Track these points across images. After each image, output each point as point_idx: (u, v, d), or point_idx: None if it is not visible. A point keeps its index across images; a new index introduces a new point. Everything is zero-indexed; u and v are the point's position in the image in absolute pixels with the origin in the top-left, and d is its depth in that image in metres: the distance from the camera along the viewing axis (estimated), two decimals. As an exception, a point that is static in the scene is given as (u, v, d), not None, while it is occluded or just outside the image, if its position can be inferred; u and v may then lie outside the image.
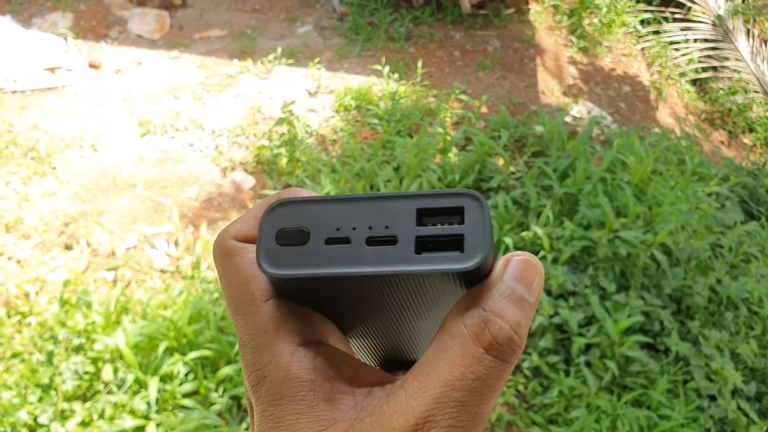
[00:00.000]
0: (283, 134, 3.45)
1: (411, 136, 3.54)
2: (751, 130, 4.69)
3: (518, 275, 0.33)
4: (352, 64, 4.22)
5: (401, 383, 0.32)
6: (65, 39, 4.07)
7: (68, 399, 2.20)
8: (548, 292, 2.71)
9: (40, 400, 2.18)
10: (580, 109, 4.10)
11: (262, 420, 0.33)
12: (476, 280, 0.33)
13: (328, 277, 0.33)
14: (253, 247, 0.36)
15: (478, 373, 0.31)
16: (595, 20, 4.94)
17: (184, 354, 2.33)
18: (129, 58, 4.06)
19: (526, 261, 0.34)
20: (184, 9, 4.57)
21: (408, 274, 0.32)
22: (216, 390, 2.27)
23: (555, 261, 2.79)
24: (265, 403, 0.33)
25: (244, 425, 2.18)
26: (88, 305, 2.47)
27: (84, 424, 2.13)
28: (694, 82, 4.86)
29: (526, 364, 2.52)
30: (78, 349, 2.33)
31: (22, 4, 4.30)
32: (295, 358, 0.33)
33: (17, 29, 4.07)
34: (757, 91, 4.47)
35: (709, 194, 3.37)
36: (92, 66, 3.94)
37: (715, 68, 4.76)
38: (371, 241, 0.33)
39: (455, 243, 0.32)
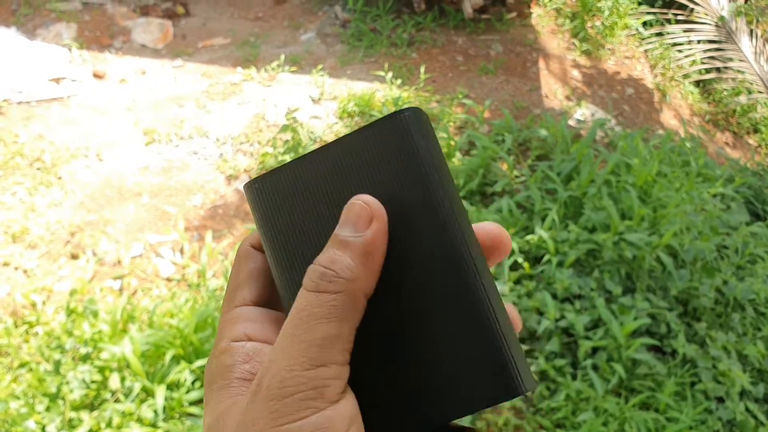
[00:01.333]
0: (287, 141, 3.46)
1: (415, 142, 3.53)
2: (755, 131, 4.68)
3: (341, 222, 0.40)
4: (355, 70, 4.23)
5: None
6: (69, 49, 4.09)
7: (76, 408, 2.20)
8: (554, 296, 2.70)
9: (48, 409, 2.18)
10: (583, 112, 4.10)
11: (204, 403, 0.41)
12: None
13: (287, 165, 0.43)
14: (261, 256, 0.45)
15: (299, 306, 0.38)
16: (598, 23, 4.94)
17: (190, 362, 2.33)
18: (133, 67, 4.08)
19: (348, 205, 0.40)
20: (187, 18, 4.59)
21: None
22: (223, 397, 2.27)
23: (560, 264, 2.79)
24: (205, 388, 0.41)
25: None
26: (95, 314, 2.48)
27: (92, 433, 2.13)
28: (697, 83, 4.85)
29: (533, 368, 2.52)
30: (85, 358, 2.33)
31: (26, 15, 4.33)
32: (225, 350, 0.41)
33: (22, 41, 4.10)
34: (761, 92, 4.47)
35: (714, 195, 3.36)
36: (96, 76, 3.96)
37: (718, 69, 4.75)
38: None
39: None
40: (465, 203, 2.69)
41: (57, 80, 3.85)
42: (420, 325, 0.39)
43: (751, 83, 4.52)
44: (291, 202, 0.43)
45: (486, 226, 0.44)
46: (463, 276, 0.38)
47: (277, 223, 0.43)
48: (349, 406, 0.37)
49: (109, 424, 2.14)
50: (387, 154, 0.41)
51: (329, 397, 0.36)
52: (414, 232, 0.40)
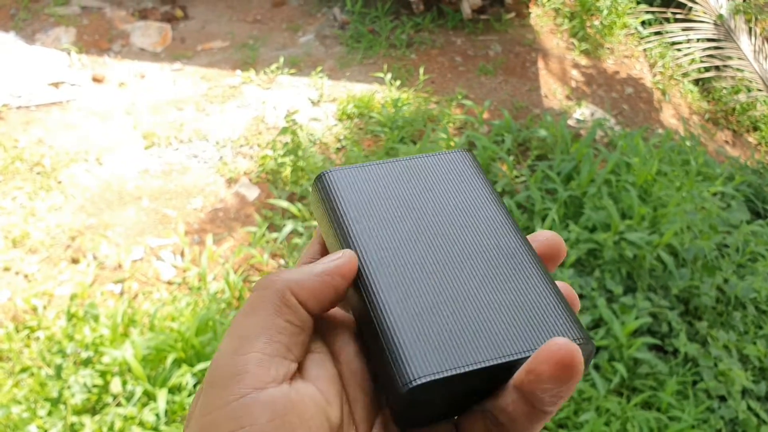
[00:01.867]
0: (286, 144, 3.46)
1: (414, 143, 3.54)
2: (755, 129, 4.68)
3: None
4: (354, 72, 4.23)
5: None
6: (68, 54, 4.10)
7: (77, 412, 2.20)
8: (555, 296, 2.70)
9: (50, 414, 2.18)
10: (583, 112, 4.10)
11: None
12: None
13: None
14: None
15: None
16: (596, 22, 4.94)
17: (192, 365, 2.33)
18: (132, 71, 4.09)
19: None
20: (186, 21, 4.59)
21: None
22: (224, 400, 2.27)
23: (561, 264, 2.79)
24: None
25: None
26: (96, 318, 2.48)
27: (93, 437, 2.13)
28: (696, 82, 4.85)
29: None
30: (86, 363, 2.33)
31: (25, 20, 4.33)
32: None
33: (21, 45, 4.10)
34: (760, 90, 4.46)
35: (715, 194, 3.36)
36: (96, 80, 3.96)
37: (717, 68, 4.75)
38: None
39: None
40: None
41: (56, 84, 3.85)
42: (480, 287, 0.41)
43: (751, 81, 4.52)
44: (370, 196, 0.46)
45: (540, 235, 0.47)
46: (520, 260, 0.44)
47: (352, 210, 0.45)
48: (270, 397, 0.35)
49: (111, 429, 2.14)
50: (459, 174, 0.49)
51: (247, 386, 0.35)
52: (478, 233, 0.45)
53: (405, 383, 0.36)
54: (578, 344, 0.37)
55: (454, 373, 0.36)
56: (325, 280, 0.39)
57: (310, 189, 0.49)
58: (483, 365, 0.37)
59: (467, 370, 0.36)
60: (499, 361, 0.37)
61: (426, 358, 0.36)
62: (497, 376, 0.38)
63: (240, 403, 0.34)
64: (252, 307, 0.38)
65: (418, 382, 0.36)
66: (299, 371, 0.39)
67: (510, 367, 0.37)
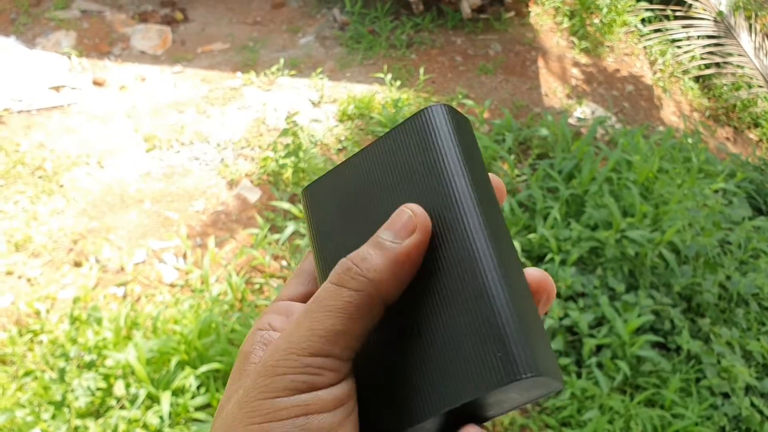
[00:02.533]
0: (287, 145, 3.46)
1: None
2: (756, 125, 4.67)
3: (386, 225, 0.40)
4: (354, 72, 4.23)
5: None
6: (69, 57, 4.10)
7: (81, 416, 2.21)
8: (558, 295, 2.70)
9: (54, 417, 2.19)
10: (583, 110, 4.10)
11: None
12: None
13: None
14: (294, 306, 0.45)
15: (317, 295, 0.39)
16: (596, 20, 4.94)
17: (195, 367, 2.33)
18: (132, 74, 4.09)
19: (398, 211, 0.40)
20: (186, 24, 4.60)
21: None
22: (228, 402, 2.27)
23: (563, 263, 2.79)
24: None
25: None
26: (99, 321, 2.48)
27: (98, 440, 2.13)
28: (697, 79, 4.85)
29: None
30: (90, 366, 2.34)
31: (25, 24, 4.34)
32: (248, 338, 0.43)
33: (21, 49, 4.11)
34: (761, 86, 4.46)
35: (716, 191, 3.36)
36: (96, 83, 3.97)
37: (718, 65, 4.75)
38: None
39: None
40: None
41: (57, 88, 3.86)
42: (430, 320, 0.38)
43: (751, 78, 4.52)
44: (338, 204, 0.45)
45: (529, 276, 0.42)
46: (477, 273, 0.38)
47: (323, 225, 0.45)
48: (340, 390, 0.37)
49: (114, 431, 2.15)
50: (415, 154, 0.42)
51: (319, 385, 0.36)
52: (441, 239, 0.40)
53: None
54: (519, 379, 0.35)
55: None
56: (412, 261, 0.40)
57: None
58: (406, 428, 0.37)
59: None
60: (435, 414, 0.36)
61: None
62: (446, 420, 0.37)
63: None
64: (330, 303, 0.40)
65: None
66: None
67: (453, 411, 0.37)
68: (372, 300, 0.38)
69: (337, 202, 0.45)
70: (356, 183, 0.44)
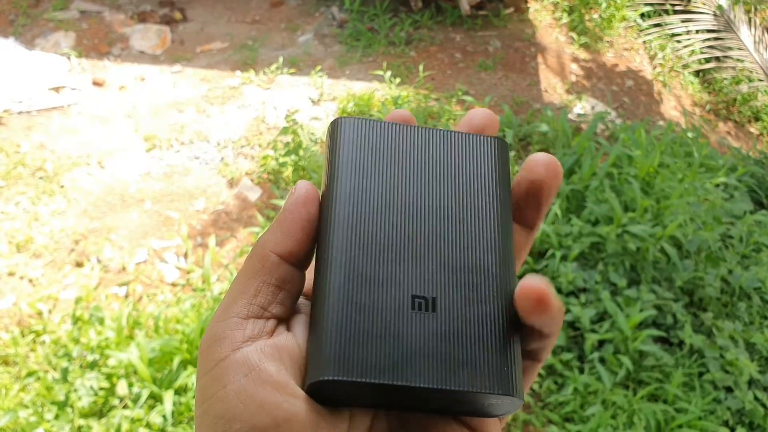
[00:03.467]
0: (287, 143, 3.46)
1: (415, 140, 3.53)
2: (757, 119, 4.67)
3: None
4: (353, 70, 4.23)
5: None
6: (68, 58, 4.10)
7: (84, 416, 2.21)
8: (559, 290, 2.70)
9: (57, 417, 2.19)
10: (583, 106, 4.09)
11: None
12: None
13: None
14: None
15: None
16: (595, 16, 4.93)
17: (197, 366, 2.33)
18: (132, 74, 4.09)
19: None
20: (185, 23, 4.60)
21: None
22: (231, 401, 2.27)
23: (564, 258, 2.79)
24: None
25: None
26: (101, 321, 2.48)
27: (101, 439, 2.14)
28: (697, 73, 4.84)
29: (539, 363, 2.51)
30: (92, 366, 2.34)
31: (24, 25, 4.34)
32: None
33: (21, 51, 4.11)
34: (761, 80, 4.45)
35: (717, 185, 3.36)
36: (96, 84, 3.97)
37: (718, 59, 4.74)
38: None
39: None
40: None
41: (57, 89, 3.86)
42: (448, 301, 0.39)
43: (751, 72, 4.51)
44: (370, 158, 0.43)
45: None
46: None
47: (356, 167, 0.43)
48: (244, 355, 0.37)
49: (118, 431, 2.15)
50: (478, 162, 0.44)
51: (226, 349, 0.37)
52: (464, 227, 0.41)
53: (314, 376, 0.36)
54: (503, 395, 0.36)
55: (362, 380, 0.35)
56: (293, 218, 0.41)
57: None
58: (393, 383, 0.35)
59: (379, 383, 0.35)
60: (412, 385, 0.36)
61: (345, 361, 0.36)
62: (420, 397, 0.37)
63: (220, 366, 0.36)
64: (236, 276, 0.41)
65: (325, 378, 0.35)
66: (288, 328, 0.40)
67: (436, 395, 0.36)
68: (263, 257, 0.40)
69: (374, 152, 0.43)
70: (400, 150, 0.44)
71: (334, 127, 0.44)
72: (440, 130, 0.45)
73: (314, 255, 0.41)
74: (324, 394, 0.37)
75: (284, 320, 0.40)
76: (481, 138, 0.45)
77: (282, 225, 0.41)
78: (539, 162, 0.44)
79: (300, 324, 0.40)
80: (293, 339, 0.39)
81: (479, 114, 0.46)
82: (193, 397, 2.25)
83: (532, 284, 0.37)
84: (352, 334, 0.36)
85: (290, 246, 0.40)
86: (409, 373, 0.36)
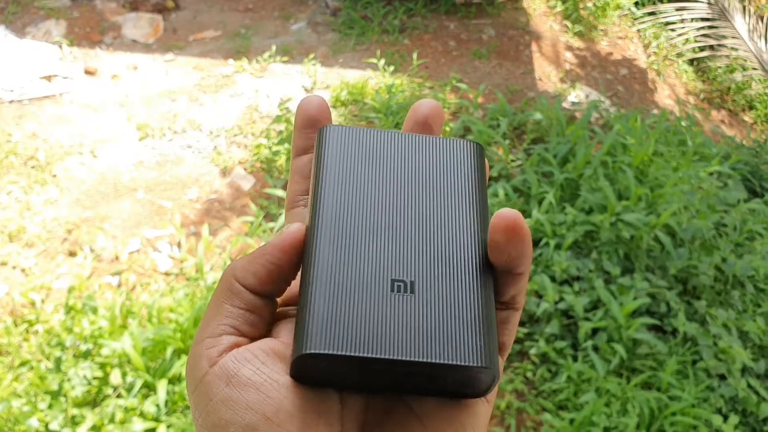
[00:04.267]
0: (281, 132, 3.45)
1: (409, 129, 3.52)
2: (750, 108, 4.67)
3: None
4: (347, 58, 4.21)
5: None
6: (60, 47, 4.07)
7: (78, 405, 2.20)
8: (552, 279, 2.70)
9: (50, 406, 2.18)
10: (578, 94, 4.09)
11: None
12: None
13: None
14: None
15: None
16: (590, 4, 4.92)
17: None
18: (124, 62, 4.06)
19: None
20: (177, 12, 4.56)
21: None
22: (225, 390, 2.27)
23: (558, 247, 2.79)
24: None
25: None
26: (94, 311, 2.47)
27: (95, 429, 2.13)
28: (691, 62, 4.84)
29: (533, 351, 2.52)
30: (85, 355, 2.33)
31: (15, 13, 4.30)
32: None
33: (11, 39, 4.07)
34: (755, 68, 4.45)
35: (711, 173, 3.36)
36: (88, 72, 3.94)
37: (712, 47, 4.74)
38: None
39: None
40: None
41: (48, 78, 3.83)
42: (426, 283, 0.41)
43: (746, 60, 4.51)
44: (354, 164, 0.46)
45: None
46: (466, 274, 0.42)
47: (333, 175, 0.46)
48: (222, 366, 0.39)
49: (111, 420, 2.14)
50: (456, 166, 0.47)
51: (204, 366, 0.39)
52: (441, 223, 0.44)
53: (297, 350, 0.37)
54: (477, 367, 0.38)
55: (343, 354, 0.37)
56: (266, 260, 0.42)
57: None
58: (375, 356, 0.37)
59: (359, 355, 0.37)
60: (391, 357, 0.37)
61: (328, 336, 0.37)
62: (400, 373, 0.39)
63: (203, 382, 0.39)
64: (211, 296, 0.42)
65: (309, 351, 0.37)
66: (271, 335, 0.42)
67: (414, 369, 0.38)
68: (227, 283, 0.42)
69: (357, 159, 0.47)
70: (384, 156, 0.47)
71: (321, 134, 0.48)
72: (422, 135, 0.49)
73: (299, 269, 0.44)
74: (308, 372, 0.38)
75: (259, 337, 0.42)
76: (460, 142, 0.48)
77: (254, 261, 0.42)
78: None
79: (285, 328, 0.42)
80: (274, 340, 0.41)
81: (424, 105, 0.49)
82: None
83: (505, 213, 0.39)
84: (334, 314, 0.38)
85: (253, 284, 0.41)
86: (387, 347, 0.38)
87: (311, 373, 0.38)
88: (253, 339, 0.41)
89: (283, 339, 0.41)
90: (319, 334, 0.37)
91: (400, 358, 0.37)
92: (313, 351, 0.37)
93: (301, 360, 0.37)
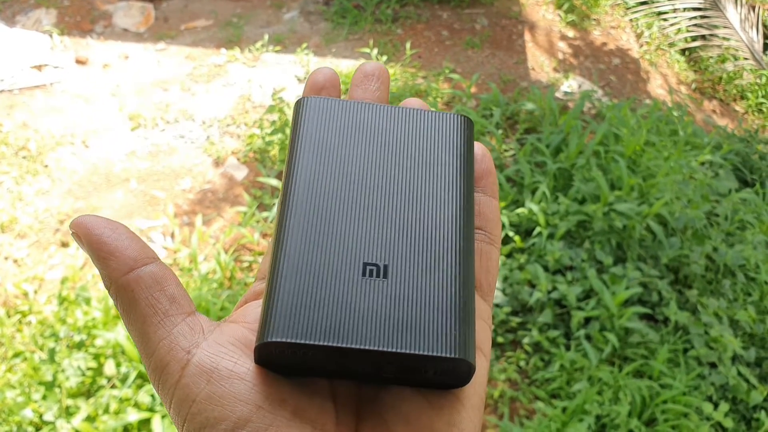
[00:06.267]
0: (274, 122, 3.44)
1: (402, 118, 3.52)
2: (742, 98, 4.68)
3: None
4: (339, 48, 4.20)
5: None
6: (50, 36, 4.04)
7: (72, 395, 2.21)
8: (545, 268, 2.71)
9: (44, 397, 2.18)
10: (570, 84, 4.09)
11: None
12: None
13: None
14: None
15: None
16: (583, -7, 4.91)
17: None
18: (116, 52, 4.04)
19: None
20: (168, 0, 4.54)
21: None
22: (219, 380, 2.28)
23: (551, 237, 2.80)
24: None
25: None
26: (87, 301, 2.47)
27: (90, 419, 2.13)
28: (683, 51, 4.84)
29: (526, 340, 2.54)
30: (79, 346, 2.33)
31: (4, 2, 4.27)
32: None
33: (1, 28, 4.04)
34: (746, 58, 4.47)
35: (703, 163, 3.37)
36: (79, 62, 3.92)
37: (704, 37, 4.75)
38: None
39: None
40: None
41: (39, 67, 3.81)
42: (399, 268, 0.39)
43: (737, 50, 4.52)
44: (333, 137, 0.44)
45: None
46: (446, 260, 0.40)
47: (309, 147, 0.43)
48: (196, 364, 0.37)
49: (106, 410, 2.15)
50: (442, 141, 0.45)
51: (175, 372, 0.37)
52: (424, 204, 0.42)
53: (260, 338, 0.36)
54: (451, 358, 0.36)
55: (306, 342, 0.35)
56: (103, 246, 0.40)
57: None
58: (340, 345, 0.35)
59: (323, 344, 0.35)
60: (356, 347, 0.35)
61: (292, 323, 0.35)
62: (370, 363, 0.37)
63: (179, 388, 0.36)
64: (126, 320, 0.40)
65: (270, 340, 0.35)
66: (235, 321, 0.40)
67: (384, 359, 0.36)
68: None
69: (336, 131, 0.44)
70: (365, 129, 0.45)
71: (298, 105, 0.45)
72: (408, 108, 0.46)
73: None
74: (273, 360, 0.36)
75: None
76: (448, 116, 0.46)
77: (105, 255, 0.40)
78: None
79: (255, 312, 0.40)
80: (240, 327, 0.39)
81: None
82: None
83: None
84: (301, 300, 0.36)
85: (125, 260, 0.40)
86: (354, 335, 0.35)
87: (279, 361, 0.36)
88: (193, 313, 0.39)
89: (249, 323, 0.39)
90: (283, 322, 0.35)
91: (366, 347, 0.35)
92: (275, 339, 0.35)
93: (264, 348, 0.36)
